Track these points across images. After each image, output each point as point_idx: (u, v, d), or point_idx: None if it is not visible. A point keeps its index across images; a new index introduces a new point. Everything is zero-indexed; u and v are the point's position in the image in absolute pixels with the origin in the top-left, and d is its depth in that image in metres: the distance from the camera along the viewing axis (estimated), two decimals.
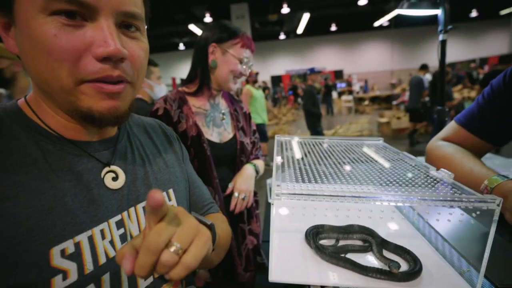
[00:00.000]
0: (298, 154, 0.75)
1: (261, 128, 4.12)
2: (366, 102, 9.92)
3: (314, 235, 0.57)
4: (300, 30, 13.23)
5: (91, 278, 0.36)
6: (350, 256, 0.54)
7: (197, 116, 0.94)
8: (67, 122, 0.39)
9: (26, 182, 0.34)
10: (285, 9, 10.37)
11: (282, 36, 14.58)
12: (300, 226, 0.61)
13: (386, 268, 0.48)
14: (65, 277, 0.34)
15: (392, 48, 13.95)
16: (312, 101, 4.12)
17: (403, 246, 0.54)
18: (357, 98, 10.14)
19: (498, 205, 0.41)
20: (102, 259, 0.38)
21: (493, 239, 0.57)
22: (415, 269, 0.48)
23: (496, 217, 0.41)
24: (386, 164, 0.65)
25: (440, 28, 1.18)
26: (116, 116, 0.38)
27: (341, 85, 10.52)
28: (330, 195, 0.43)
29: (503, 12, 11.56)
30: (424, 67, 4.72)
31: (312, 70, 13.77)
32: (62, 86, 0.34)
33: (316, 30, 13.53)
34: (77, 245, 0.35)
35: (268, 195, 1.58)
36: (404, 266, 0.51)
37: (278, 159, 0.62)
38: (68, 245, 0.35)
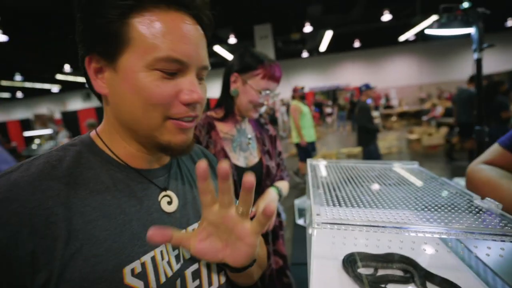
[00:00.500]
0: (329, 179, 0.75)
1: (311, 146, 3.94)
2: (394, 118, 9.60)
3: (352, 262, 0.56)
4: (323, 47, 13.34)
5: None
6: (391, 287, 0.52)
7: (225, 142, 0.98)
8: (135, 152, 0.45)
9: (102, 207, 0.39)
10: (308, 28, 10.55)
11: (305, 54, 14.76)
12: (337, 252, 0.60)
13: None
14: None
15: (419, 62, 13.55)
16: (368, 117, 3.86)
17: (449, 280, 0.51)
18: (384, 114, 9.85)
19: None
20: (163, 278, 0.42)
21: None
22: None
23: None
24: (425, 190, 0.64)
25: (474, 47, 1.15)
26: (187, 146, 0.45)
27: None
28: (371, 225, 0.43)
29: None
30: (473, 80, 4.44)
31: (337, 87, 13.66)
32: (151, 124, 0.41)
33: (339, 46, 13.55)
34: (143, 265, 0.39)
35: (296, 216, 1.57)
36: None
37: (313, 185, 0.63)
38: (136, 265, 0.39)
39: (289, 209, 3.41)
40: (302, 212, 1.60)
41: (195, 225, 0.50)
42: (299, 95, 3.93)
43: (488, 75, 9.47)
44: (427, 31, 1.41)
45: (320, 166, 0.87)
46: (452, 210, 0.51)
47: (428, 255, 0.63)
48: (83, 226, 0.37)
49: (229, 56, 14.55)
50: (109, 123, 0.45)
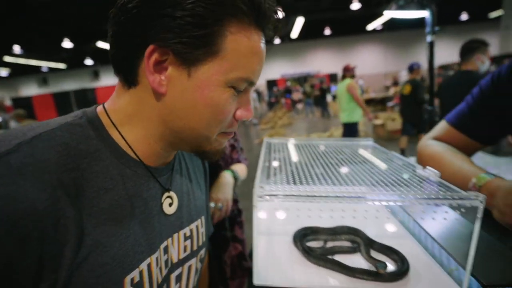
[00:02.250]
0: (283, 155, 0.74)
1: (355, 127, 3.78)
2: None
3: (301, 237, 0.56)
4: (294, 34, 13.34)
5: None
6: (338, 257, 0.53)
7: None
8: (160, 150, 0.41)
9: (110, 209, 0.34)
10: (279, 14, 10.45)
11: (277, 41, 14.67)
12: (290, 229, 0.60)
13: (374, 269, 0.48)
14: None
15: (385, 51, 14.11)
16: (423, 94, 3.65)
17: (390, 246, 0.53)
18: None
19: (481, 202, 0.41)
20: (155, 285, 0.39)
21: (482, 237, 0.57)
22: (402, 270, 0.47)
23: (479, 215, 0.41)
24: (375, 164, 0.65)
25: (427, 29, 1.19)
26: (222, 153, 0.44)
27: (335, 88, 10.61)
28: (314, 196, 0.42)
29: (492, 15, 11.77)
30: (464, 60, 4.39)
31: (308, 74, 13.84)
32: (209, 137, 0.40)
33: (310, 34, 13.64)
34: (141, 274, 0.36)
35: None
36: (392, 266, 0.50)
37: (262, 161, 0.61)
38: (136, 274, 0.36)
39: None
40: None
41: (186, 230, 0.47)
42: (351, 74, 3.77)
43: (446, 65, 10.11)
44: (386, 13, 1.43)
45: (275, 144, 0.86)
46: (397, 180, 0.52)
47: (375, 225, 0.65)
48: (91, 230, 0.32)
49: None
50: (139, 114, 0.38)
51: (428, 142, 0.90)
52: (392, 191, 0.46)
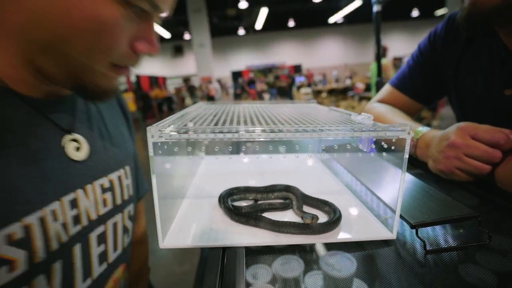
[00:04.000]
0: (222, 111, 0.66)
1: None
2: (324, 95, 10.25)
3: (227, 196, 0.49)
4: (259, 25, 13.27)
5: (42, 267, 0.30)
6: (268, 215, 0.46)
7: None
8: (30, 77, 0.32)
9: None
10: (243, 4, 10.28)
11: (241, 32, 14.53)
12: (217, 192, 0.52)
13: (300, 222, 0.42)
14: (11, 269, 0.28)
15: (345, 44, 14.64)
16: None
17: (322, 199, 0.48)
18: (316, 91, 10.43)
19: (408, 133, 0.36)
20: (55, 245, 0.32)
21: (417, 185, 0.54)
22: (333, 220, 0.42)
23: (406, 153, 0.37)
24: (313, 115, 0.59)
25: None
26: (110, 94, 0.36)
27: (300, 79, 10.76)
28: (214, 132, 0.35)
29: (438, 12, 12.74)
30: None
31: (273, 65, 13.92)
32: (89, 65, 0.32)
33: (274, 25, 13.67)
34: (27, 229, 0.29)
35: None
36: (324, 219, 0.45)
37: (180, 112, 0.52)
38: (16, 229, 0.28)
39: None
40: None
41: (104, 180, 0.40)
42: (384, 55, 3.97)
43: (400, 57, 10.76)
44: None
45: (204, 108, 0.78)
46: (331, 126, 0.47)
47: (312, 182, 0.60)
48: None
49: (162, 31, 13.42)
50: None
51: (372, 105, 0.88)
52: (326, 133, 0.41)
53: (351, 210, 0.48)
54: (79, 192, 0.36)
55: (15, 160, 0.30)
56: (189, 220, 0.44)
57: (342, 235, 0.40)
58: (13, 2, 0.28)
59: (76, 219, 0.35)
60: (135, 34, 0.33)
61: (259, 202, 0.50)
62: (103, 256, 0.39)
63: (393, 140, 0.45)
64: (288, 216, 0.47)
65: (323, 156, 0.76)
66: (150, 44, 0.35)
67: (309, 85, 9.88)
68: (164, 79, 12.28)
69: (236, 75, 13.44)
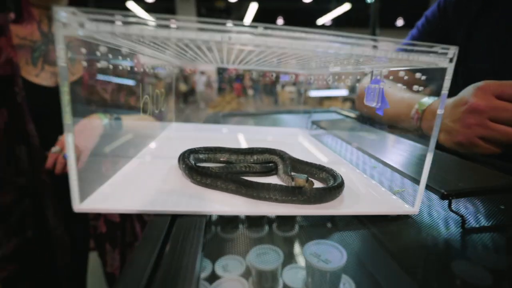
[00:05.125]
0: None
1: None
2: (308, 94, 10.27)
3: (189, 153, 0.36)
4: (247, 20, 13.13)
5: None
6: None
7: (19, 50, 0.67)
8: None
9: None
10: None
11: None
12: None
13: (290, 185, 0.30)
14: None
15: None
16: None
17: (318, 164, 0.36)
18: (300, 90, 10.45)
19: (450, 60, 0.25)
20: None
21: (437, 155, 0.44)
22: (333, 185, 0.30)
23: (447, 82, 0.26)
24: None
25: None
26: None
27: (285, 78, 10.77)
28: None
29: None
30: None
31: None
32: None
33: (263, 22, 13.57)
34: None
35: None
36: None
37: None
38: None
39: None
40: None
41: None
42: None
43: None
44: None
45: None
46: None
47: (304, 153, 0.48)
48: None
49: (145, 16, 12.85)
50: None
51: (368, 80, 0.79)
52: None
53: (353, 181, 0.36)
54: None
55: None
56: (129, 182, 0.31)
57: (346, 206, 0.29)
58: None
59: None
60: None
61: (232, 164, 0.37)
62: None
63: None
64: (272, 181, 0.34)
65: (313, 132, 0.65)
66: None
67: (294, 84, 9.87)
68: None
69: (222, 69, 13.23)
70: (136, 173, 0.33)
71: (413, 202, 0.29)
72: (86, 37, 0.25)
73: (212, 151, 0.38)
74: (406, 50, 0.25)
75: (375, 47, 0.25)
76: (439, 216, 0.29)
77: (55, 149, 0.65)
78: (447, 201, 0.28)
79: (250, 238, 0.26)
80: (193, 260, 0.19)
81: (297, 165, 0.37)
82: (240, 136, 0.58)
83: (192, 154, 0.36)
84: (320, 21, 12.90)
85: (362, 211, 0.28)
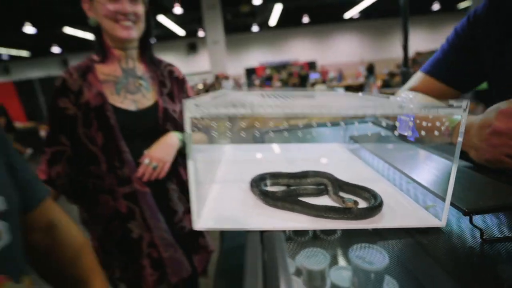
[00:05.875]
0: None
1: None
2: None
3: (259, 181, 0.47)
4: (273, 22, 13.16)
5: None
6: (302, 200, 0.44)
7: (105, 85, 0.83)
8: None
9: None
10: (257, 1, 10.21)
11: (255, 28, 14.48)
12: (247, 177, 0.51)
13: (340, 206, 0.40)
14: None
15: (361, 40, 14.31)
16: None
17: (360, 185, 0.45)
18: (331, 88, 10.25)
19: (464, 110, 0.33)
20: None
21: (460, 171, 0.50)
22: (375, 204, 0.39)
23: (462, 128, 0.34)
24: (345, 97, 0.57)
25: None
26: None
27: (315, 76, 10.62)
28: (257, 105, 0.33)
29: (461, 5, 12.22)
30: None
31: (287, 62, 13.81)
32: None
33: (288, 22, 13.53)
34: None
35: None
36: (363, 205, 0.42)
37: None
38: None
39: None
40: None
41: None
42: None
43: (420, 52, 10.39)
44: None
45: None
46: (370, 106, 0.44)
47: (344, 170, 0.57)
48: None
49: (175, 28, 13.56)
50: None
51: (403, 93, 0.84)
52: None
53: (390, 197, 0.45)
54: None
55: None
56: (221, 204, 0.43)
57: (386, 221, 0.38)
58: None
59: None
60: None
61: (291, 188, 0.48)
62: None
63: (443, 120, 0.41)
64: (323, 202, 0.44)
65: (350, 146, 0.73)
66: None
67: (323, 82, 9.73)
68: None
69: (250, 72, 13.42)
70: (222, 197, 0.45)
71: (441, 216, 0.37)
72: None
73: (275, 177, 0.49)
74: (426, 107, 0.34)
75: (400, 107, 0.34)
76: (462, 228, 0.37)
77: (147, 161, 0.81)
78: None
79: (297, 242, 0.36)
80: (285, 263, 0.30)
81: (344, 186, 0.46)
82: (288, 155, 0.68)
83: (261, 181, 0.47)
84: (347, 14, 12.56)
85: (399, 224, 0.37)
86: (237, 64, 14.60)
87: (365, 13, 12.06)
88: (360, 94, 0.64)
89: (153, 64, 0.92)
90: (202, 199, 0.43)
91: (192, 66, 15.27)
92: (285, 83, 9.28)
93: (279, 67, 12.34)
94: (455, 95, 0.79)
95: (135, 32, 0.82)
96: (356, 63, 13.92)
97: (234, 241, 1.02)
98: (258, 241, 0.34)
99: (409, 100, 0.44)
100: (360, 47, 14.36)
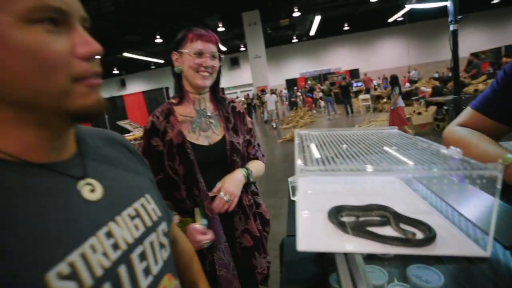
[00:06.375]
0: (317, 143, 0.81)
1: None
2: (385, 100, 9.71)
3: (336, 213, 0.63)
4: (312, 32, 13.23)
5: None
6: (369, 229, 0.59)
7: (183, 124, 1.01)
8: (35, 140, 0.37)
9: (9, 218, 0.33)
10: (296, 13, 10.47)
11: (294, 40, 14.66)
12: (323, 207, 0.67)
13: (402, 236, 0.54)
14: None
15: (407, 43, 13.61)
16: None
17: (417, 219, 0.59)
18: (375, 96, 9.91)
19: (500, 171, 0.46)
20: (98, 272, 0.37)
21: (505, 208, 0.60)
22: (430, 236, 0.53)
23: (499, 185, 0.46)
24: (400, 147, 0.70)
25: (450, 18, 1.21)
26: (101, 106, 0.40)
27: (357, 84, 10.39)
28: (351, 169, 0.49)
29: None
30: None
31: (328, 71, 13.69)
32: (57, 91, 0.35)
33: (328, 31, 13.47)
34: (72, 265, 0.35)
35: (290, 193, 1.64)
36: (420, 236, 0.56)
37: (297, 146, 0.69)
38: (62, 268, 0.34)
39: (283, 191, 3.51)
40: (295, 189, 1.67)
41: (130, 210, 0.46)
42: None
43: (476, 53, 9.55)
44: (408, 6, 1.46)
45: (306, 134, 0.93)
46: (420, 159, 0.57)
47: (401, 202, 0.70)
48: None
49: (219, 45, 14.32)
50: None
51: (454, 128, 0.93)
52: (418, 165, 0.52)
53: (441, 229, 0.58)
54: (111, 224, 0.42)
55: (52, 215, 0.35)
56: (311, 230, 0.60)
57: (439, 249, 0.51)
58: None
59: (115, 246, 0.41)
60: (71, 45, 0.35)
61: (360, 219, 0.63)
62: (147, 270, 0.45)
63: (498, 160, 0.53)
64: (387, 232, 0.59)
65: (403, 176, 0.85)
66: (87, 44, 0.36)
67: (367, 90, 9.48)
68: (222, 90, 13.15)
69: (290, 82, 13.57)
70: (309, 223, 0.62)
71: (487, 247, 0.49)
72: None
73: (347, 209, 0.65)
74: (467, 168, 0.47)
75: (451, 169, 0.47)
76: (504, 258, 0.48)
77: (222, 194, 0.98)
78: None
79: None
80: (365, 275, 0.46)
81: (403, 219, 0.60)
82: (353, 186, 0.83)
83: (338, 213, 0.63)
84: (390, 18, 12.12)
85: (450, 253, 0.50)
86: (278, 75, 14.88)
87: (409, 15, 11.55)
88: (412, 136, 0.77)
89: (219, 103, 1.10)
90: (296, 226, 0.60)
91: (234, 80, 15.98)
92: (327, 94, 9.26)
93: (320, 77, 12.34)
94: (506, 130, 0.86)
95: (209, 82, 1.01)
96: (403, 68, 13.28)
97: (294, 256, 1.19)
98: (344, 261, 0.50)
99: (456, 153, 0.56)
100: (406, 51, 13.69)
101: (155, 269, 0.46)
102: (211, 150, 1.01)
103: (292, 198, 1.66)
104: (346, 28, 13.41)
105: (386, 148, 0.65)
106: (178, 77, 1.03)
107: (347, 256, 0.52)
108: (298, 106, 11.53)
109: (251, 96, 11.78)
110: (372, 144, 0.74)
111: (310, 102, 11.39)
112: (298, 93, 11.54)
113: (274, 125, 9.06)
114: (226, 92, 13.72)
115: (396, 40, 14.19)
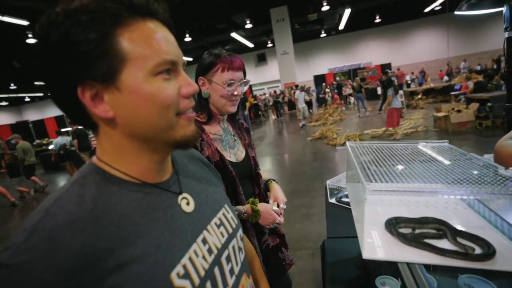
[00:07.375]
0: (366, 158, 0.87)
1: None
2: (419, 96, 9.26)
3: (394, 224, 0.70)
4: (341, 26, 12.86)
5: None
6: (426, 241, 0.65)
7: (215, 142, 1.04)
8: (148, 165, 0.46)
9: (135, 229, 0.41)
10: (325, 7, 10.24)
11: (323, 35, 14.33)
12: (379, 216, 0.74)
13: (462, 250, 0.59)
14: None
15: (446, 34, 12.76)
16: None
17: (476, 234, 0.63)
18: (408, 92, 9.47)
19: None
20: (202, 272, 0.45)
21: None
22: (489, 252, 0.58)
23: None
24: (455, 165, 0.74)
25: (505, 25, 1.17)
26: (196, 135, 0.48)
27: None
28: (413, 191, 0.56)
29: None
30: None
31: (358, 66, 13.18)
32: (169, 124, 0.43)
33: (358, 24, 13.02)
34: (185, 267, 0.43)
35: (327, 196, 1.70)
36: (478, 251, 0.60)
37: (356, 163, 0.75)
38: (179, 269, 0.42)
39: (316, 190, 3.54)
40: (333, 192, 1.72)
41: (215, 220, 0.54)
42: None
43: None
44: (456, 13, 1.43)
45: (355, 147, 0.99)
46: (479, 180, 0.62)
47: (457, 218, 0.74)
48: (125, 250, 0.39)
49: (246, 42, 14.45)
50: (114, 146, 0.44)
51: (507, 142, 0.93)
52: (478, 188, 0.57)
53: (499, 244, 0.62)
54: (205, 232, 0.50)
55: (164, 227, 0.44)
56: (373, 240, 0.67)
57: (498, 264, 0.56)
58: (115, 125, 0.42)
59: (210, 251, 0.48)
60: (178, 87, 0.44)
61: (416, 231, 0.69)
62: (231, 271, 0.52)
63: None
64: (443, 244, 0.64)
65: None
66: (189, 85, 0.45)
67: (400, 86, 9.08)
68: (250, 86, 13.25)
69: (318, 78, 13.36)
70: (370, 233, 0.69)
71: None
72: None
73: (404, 221, 0.71)
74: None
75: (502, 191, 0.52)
76: None
77: (282, 206, 1.07)
78: None
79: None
80: (421, 278, 0.52)
81: (460, 234, 0.65)
82: (406, 197, 0.88)
83: (396, 225, 0.69)
84: (428, 8, 11.43)
85: (508, 268, 0.55)
86: (306, 71, 14.68)
87: (449, 3, 10.82)
88: (466, 153, 0.80)
89: (236, 122, 1.17)
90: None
91: (261, 77, 15.98)
92: (357, 91, 8.99)
93: (350, 73, 12.00)
94: None
95: (236, 107, 1.07)
96: (440, 60, 12.51)
97: (336, 257, 1.25)
98: (408, 269, 0.57)
99: None
100: (445, 42, 12.85)
101: (236, 270, 0.54)
102: (241, 167, 1.08)
103: (330, 201, 1.72)
104: (377, 20, 12.87)
105: (441, 164, 0.70)
106: (205, 100, 1.04)
107: (408, 264, 0.59)
108: (327, 103, 11.33)
109: (278, 93, 11.74)
110: (425, 161, 0.79)
111: (337, 99, 11.14)
112: (327, 90, 11.33)
113: (301, 124, 8.97)
114: (253, 88, 13.78)
115: (433, 31, 13.34)
